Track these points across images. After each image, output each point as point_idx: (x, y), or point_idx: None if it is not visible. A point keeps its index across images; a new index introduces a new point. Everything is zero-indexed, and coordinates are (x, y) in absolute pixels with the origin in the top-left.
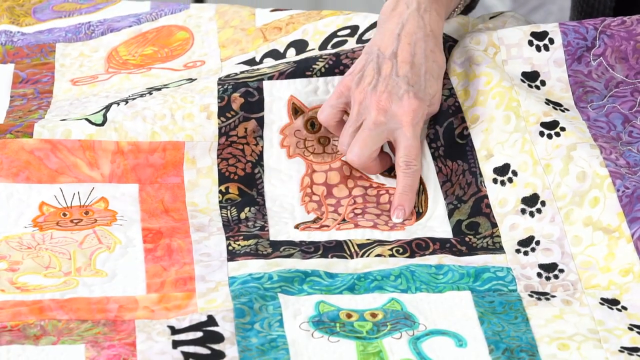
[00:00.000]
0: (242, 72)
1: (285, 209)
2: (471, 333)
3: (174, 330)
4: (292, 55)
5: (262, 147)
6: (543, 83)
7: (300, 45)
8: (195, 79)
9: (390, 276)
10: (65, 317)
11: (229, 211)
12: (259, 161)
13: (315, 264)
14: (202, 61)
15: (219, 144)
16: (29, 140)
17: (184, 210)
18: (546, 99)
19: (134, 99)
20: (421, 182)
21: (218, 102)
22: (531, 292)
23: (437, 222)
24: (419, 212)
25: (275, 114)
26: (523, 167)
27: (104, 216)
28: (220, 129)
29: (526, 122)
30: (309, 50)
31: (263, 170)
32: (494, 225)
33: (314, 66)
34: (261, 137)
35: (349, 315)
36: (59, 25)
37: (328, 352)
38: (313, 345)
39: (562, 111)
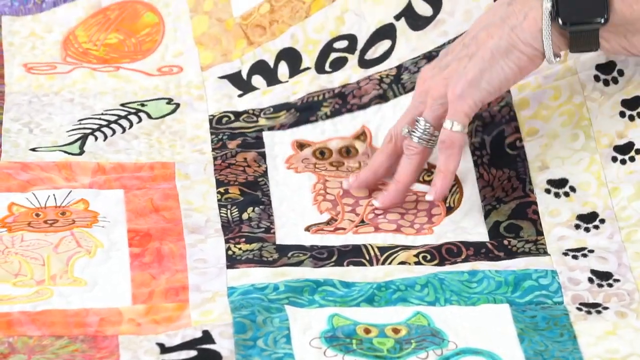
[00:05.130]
0: (236, 120)
1: (294, 210)
2: (509, 353)
3: (164, 349)
4: (284, 74)
5: (266, 168)
6: (621, 73)
7: (292, 58)
8: (178, 104)
9: (415, 285)
10: (38, 333)
11: (229, 210)
12: (263, 175)
13: (329, 272)
14: (179, 67)
15: (214, 165)
16: None
17: (177, 209)
18: (622, 100)
19: (109, 125)
20: (456, 180)
21: (212, 145)
22: (580, 304)
23: (471, 223)
24: (449, 207)
25: (278, 151)
26: (584, 186)
27: (83, 217)
28: (215, 158)
29: (597, 142)
30: (304, 69)
31: (268, 179)
32: (540, 233)
33: (318, 112)
34: (264, 161)
35: (367, 331)
36: None
37: None
38: None
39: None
